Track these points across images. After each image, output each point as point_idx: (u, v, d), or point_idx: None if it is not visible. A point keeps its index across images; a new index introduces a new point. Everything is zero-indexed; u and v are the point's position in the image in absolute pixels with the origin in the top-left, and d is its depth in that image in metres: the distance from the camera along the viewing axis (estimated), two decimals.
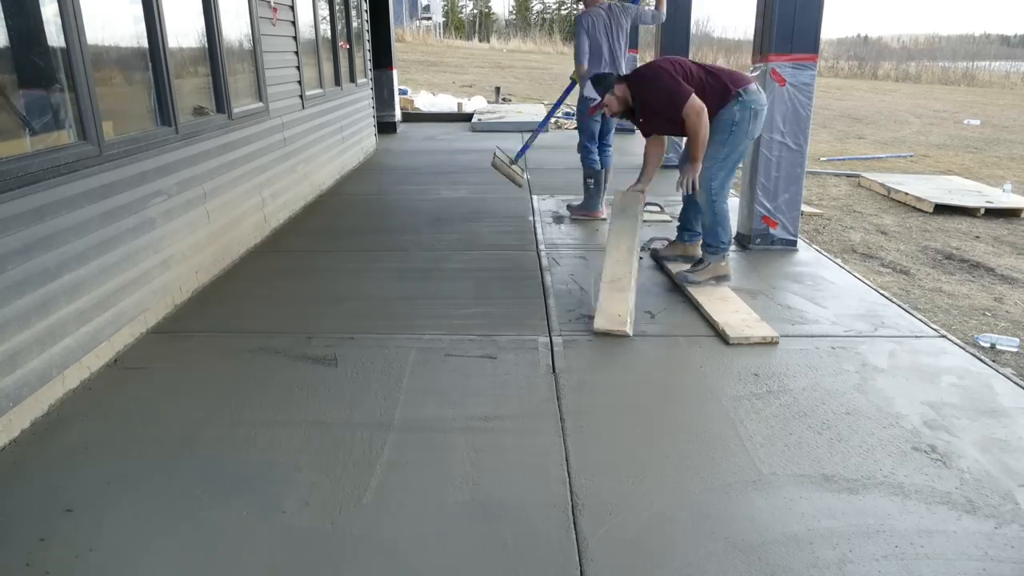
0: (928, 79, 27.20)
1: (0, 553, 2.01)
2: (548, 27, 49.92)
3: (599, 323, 3.43)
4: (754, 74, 4.73)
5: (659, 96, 3.76)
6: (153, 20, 3.68)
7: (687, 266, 4.17)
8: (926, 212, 7.01)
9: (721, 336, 3.40)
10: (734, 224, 4.80)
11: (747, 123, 3.73)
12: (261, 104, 5.24)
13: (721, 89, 3.73)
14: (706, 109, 3.65)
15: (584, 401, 2.83)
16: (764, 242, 4.82)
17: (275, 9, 5.59)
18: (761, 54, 4.62)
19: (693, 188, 3.85)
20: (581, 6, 5.47)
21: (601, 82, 4.01)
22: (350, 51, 8.39)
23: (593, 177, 5.59)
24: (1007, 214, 6.81)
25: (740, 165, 4.07)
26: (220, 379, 3.03)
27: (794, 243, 4.84)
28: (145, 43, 3.69)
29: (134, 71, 3.72)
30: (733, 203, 4.78)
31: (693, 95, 3.65)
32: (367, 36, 9.51)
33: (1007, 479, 2.32)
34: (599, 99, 4.05)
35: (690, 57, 8.07)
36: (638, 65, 8.56)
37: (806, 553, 1.98)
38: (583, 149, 5.55)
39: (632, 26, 5.53)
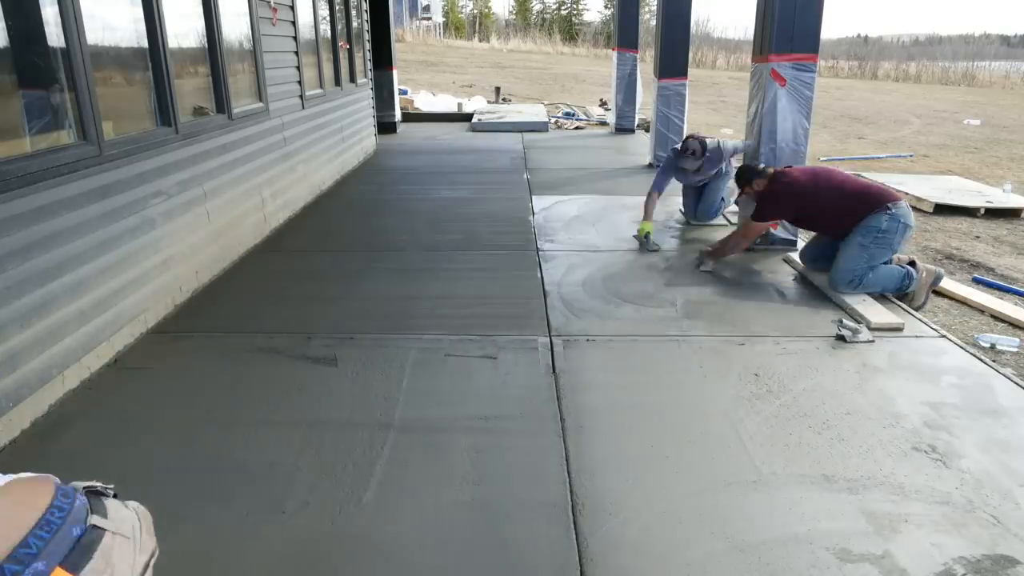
0: (928, 79, 27.19)
1: None
2: (548, 27, 49.94)
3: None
4: (753, 78, 4.73)
5: (758, 203, 4.20)
6: (153, 20, 3.68)
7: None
8: (926, 212, 7.01)
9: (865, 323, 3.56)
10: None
11: (893, 234, 3.82)
12: (261, 104, 5.24)
13: (870, 201, 3.89)
14: (752, 239, 4.40)
15: (584, 401, 2.83)
16: (764, 241, 4.82)
17: (275, 9, 5.59)
18: (761, 54, 4.62)
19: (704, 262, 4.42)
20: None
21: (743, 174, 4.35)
22: (350, 51, 8.39)
23: None
24: (1007, 214, 6.80)
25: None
26: (220, 379, 3.03)
27: (794, 243, 4.84)
28: (145, 43, 3.69)
29: (134, 71, 3.72)
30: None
31: (761, 225, 4.25)
32: (367, 36, 9.50)
33: (1007, 479, 2.32)
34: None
35: (689, 56, 8.08)
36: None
37: (806, 553, 1.98)
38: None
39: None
